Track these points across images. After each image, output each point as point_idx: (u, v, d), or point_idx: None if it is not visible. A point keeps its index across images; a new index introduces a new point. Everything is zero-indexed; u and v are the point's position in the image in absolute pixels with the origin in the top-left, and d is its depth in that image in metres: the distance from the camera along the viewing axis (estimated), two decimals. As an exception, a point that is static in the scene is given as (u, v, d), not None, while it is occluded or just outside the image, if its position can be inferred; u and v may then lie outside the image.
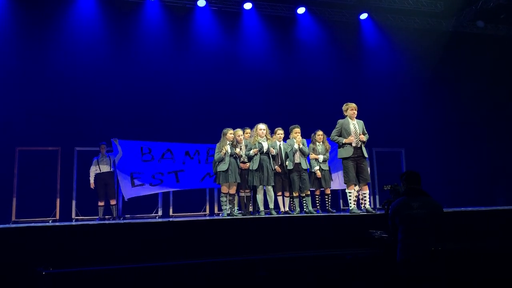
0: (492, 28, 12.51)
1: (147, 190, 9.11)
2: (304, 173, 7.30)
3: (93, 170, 9.03)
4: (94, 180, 9.00)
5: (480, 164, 11.47)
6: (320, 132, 7.77)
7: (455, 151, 11.65)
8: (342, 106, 7.04)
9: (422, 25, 12.21)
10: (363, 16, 11.94)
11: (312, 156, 7.56)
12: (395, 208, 4.15)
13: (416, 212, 3.95)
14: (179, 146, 9.30)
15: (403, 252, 3.97)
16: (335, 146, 8.83)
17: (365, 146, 10.57)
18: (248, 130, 7.69)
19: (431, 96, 12.45)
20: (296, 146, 7.28)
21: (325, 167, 7.75)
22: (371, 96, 11.89)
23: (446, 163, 11.72)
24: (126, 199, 8.95)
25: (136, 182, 8.99)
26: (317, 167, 7.48)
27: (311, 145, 7.72)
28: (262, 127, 7.33)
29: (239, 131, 7.33)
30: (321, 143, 7.75)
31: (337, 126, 6.94)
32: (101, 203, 8.94)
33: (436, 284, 3.87)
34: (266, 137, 7.35)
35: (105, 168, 9.01)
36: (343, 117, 7.01)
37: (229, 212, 7.10)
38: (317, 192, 7.73)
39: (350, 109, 6.93)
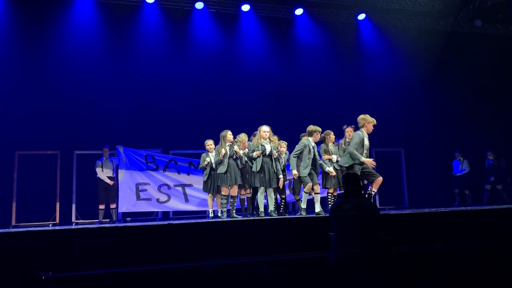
0: (490, 27, 12.53)
1: (154, 207, 9.07)
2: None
3: (100, 171, 9.01)
4: (97, 183, 8.99)
5: (479, 163, 11.45)
6: (332, 133, 7.72)
7: (454, 150, 11.64)
8: (359, 116, 6.84)
9: (420, 25, 12.22)
10: (361, 16, 11.95)
11: (326, 157, 7.46)
12: (330, 210, 4.17)
13: (346, 213, 3.91)
14: (182, 158, 9.30)
15: (334, 253, 3.93)
16: None
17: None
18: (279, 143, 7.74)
19: (430, 96, 12.46)
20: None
21: (338, 166, 7.70)
22: (370, 96, 11.89)
23: (445, 162, 11.72)
24: (124, 210, 8.90)
25: (142, 195, 8.94)
26: (331, 168, 7.43)
27: (323, 145, 7.67)
28: (265, 129, 7.31)
29: (244, 138, 7.32)
30: (332, 143, 7.72)
31: (357, 140, 6.69)
32: (101, 206, 8.92)
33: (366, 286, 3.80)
34: (269, 139, 7.35)
35: (108, 172, 9.00)
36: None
37: (228, 214, 7.11)
38: (331, 191, 7.60)
39: (372, 124, 6.79)
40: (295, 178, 7.16)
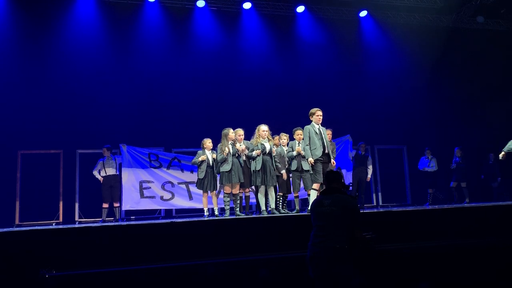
0: (492, 23, 12.47)
1: (158, 204, 9.10)
2: (305, 174, 7.24)
3: (97, 171, 9.03)
4: (100, 182, 9.01)
5: (481, 159, 11.44)
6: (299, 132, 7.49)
7: (456, 147, 11.62)
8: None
9: (422, 22, 12.17)
10: (363, 13, 11.91)
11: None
12: (311, 206, 4.17)
13: (326, 209, 3.89)
14: (185, 156, 9.31)
15: (311, 249, 3.91)
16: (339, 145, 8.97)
17: (367, 144, 10.76)
18: (278, 136, 7.68)
19: (432, 92, 12.43)
20: (295, 153, 7.23)
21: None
22: (372, 93, 11.88)
23: (447, 160, 11.69)
24: (128, 208, 8.92)
25: (146, 193, 8.97)
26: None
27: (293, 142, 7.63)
28: (265, 128, 7.34)
29: (240, 131, 7.35)
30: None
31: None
32: (105, 205, 8.94)
33: (342, 284, 3.76)
34: (268, 138, 7.37)
35: (111, 170, 9.02)
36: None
37: (232, 212, 7.13)
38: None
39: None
40: (311, 164, 6.80)
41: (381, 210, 7.00)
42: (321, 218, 3.92)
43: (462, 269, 5.09)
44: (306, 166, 7.11)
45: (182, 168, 9.24)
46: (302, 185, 7.24)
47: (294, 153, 7.21)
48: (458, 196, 10.73)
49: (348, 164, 10.00)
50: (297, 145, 7.27)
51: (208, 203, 7.47)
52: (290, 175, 7.48)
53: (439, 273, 5.10)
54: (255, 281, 4.91)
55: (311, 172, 6.90)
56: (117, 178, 9.05)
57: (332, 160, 7.12)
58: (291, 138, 7.60)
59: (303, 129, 7.15)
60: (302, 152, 7.11)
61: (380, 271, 4.98)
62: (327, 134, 7.66)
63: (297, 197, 7.50)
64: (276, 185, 7.38)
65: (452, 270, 5.11)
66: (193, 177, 9.15)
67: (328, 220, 3.87)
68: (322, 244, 3.80)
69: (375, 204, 11.29)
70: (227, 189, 7.08)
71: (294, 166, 7.23)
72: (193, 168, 9.16)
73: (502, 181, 11.04)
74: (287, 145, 7.50)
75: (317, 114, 7.02)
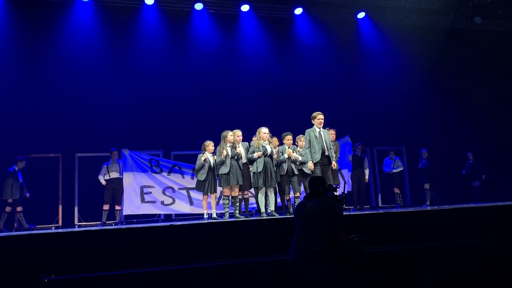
0: (490, 24, 12.49)
1: (159, 209, 9.13)
2: (293, 178, 7.31)
3: (102, 176, 9.03)
4: (100, 185, 9.00)
5: (481, 160, 11.44)
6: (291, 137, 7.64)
7: (456, 147, 11.62)
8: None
9: (420, 23, 12.20)
10: (361, 15, 11.93)
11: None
12: (294, 209, 4.19)
13: (308, 211, 3.91)
14: (186, 164, 9.33)
15: (292, 252, 3.92)
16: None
17: (366, 144, 10.75)
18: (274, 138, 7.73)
19: (431, 93, 12.44)
20: (285, 155, 7.27)
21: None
22: (371, 94, 11.89)
23: (447, 160, 11.71)
24: (129, 213, 8.91)
25: (147, 198, 8.98)
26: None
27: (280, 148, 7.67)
28: (265, 130, 7.38)
29: (238, 132, 7.38)
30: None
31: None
32: (106, 207, 8.94)
33: (322, 286, 3.74)
34: (268, 140, 7.40)
35: (115, 174, 9.04)
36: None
37: (231, 214, 7.13)
38: None
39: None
40: (311, 169, 7.11)
41: (380, 211, 7.00)
42: (303, 220, 3.93)
43: (462, 269, 5.09)
44: (295, 170, 7.21)
45: (183, 173, 9.27)
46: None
47: (285, 155, 7.24)
48: (429, 197, 10.73)
49: (348, 164, 10.04)
50: (286, 149, 7.31)
51: (208, 206, 7.46)
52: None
53: (439, 273, 5.10)
54: (255, 283, 4.90)
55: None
56: (121, 182, 9.07)
57: (334, 162, 7.19)
58: (280, 143, 7.64)
59: (292, 134, 7.42)
60: (292, 156, 7.21)
61: (379, 272, 4.98)
62: (330, 134, 7.73)
63: (288, 200, 7.50)
64: (276, 187, 7.40)
65: (453, 270, 5.11)
66: (193, 183, 9.15)
67: (310, 222, 3.87)
68: (303, 247, 3.80)
69: (374, 205, 11.29)
70: (226, 191, 7.09)
71: (283, 170, 7.27)
72: (193, 175, 9.17)
73: (485, 179, 10.99)
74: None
75: (318, 118, 7.29)
